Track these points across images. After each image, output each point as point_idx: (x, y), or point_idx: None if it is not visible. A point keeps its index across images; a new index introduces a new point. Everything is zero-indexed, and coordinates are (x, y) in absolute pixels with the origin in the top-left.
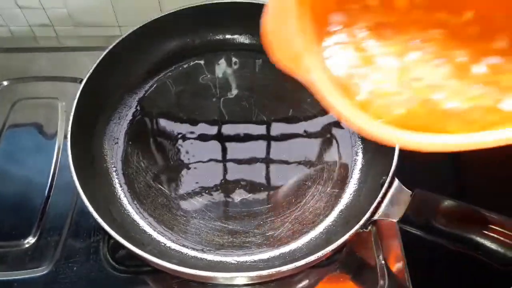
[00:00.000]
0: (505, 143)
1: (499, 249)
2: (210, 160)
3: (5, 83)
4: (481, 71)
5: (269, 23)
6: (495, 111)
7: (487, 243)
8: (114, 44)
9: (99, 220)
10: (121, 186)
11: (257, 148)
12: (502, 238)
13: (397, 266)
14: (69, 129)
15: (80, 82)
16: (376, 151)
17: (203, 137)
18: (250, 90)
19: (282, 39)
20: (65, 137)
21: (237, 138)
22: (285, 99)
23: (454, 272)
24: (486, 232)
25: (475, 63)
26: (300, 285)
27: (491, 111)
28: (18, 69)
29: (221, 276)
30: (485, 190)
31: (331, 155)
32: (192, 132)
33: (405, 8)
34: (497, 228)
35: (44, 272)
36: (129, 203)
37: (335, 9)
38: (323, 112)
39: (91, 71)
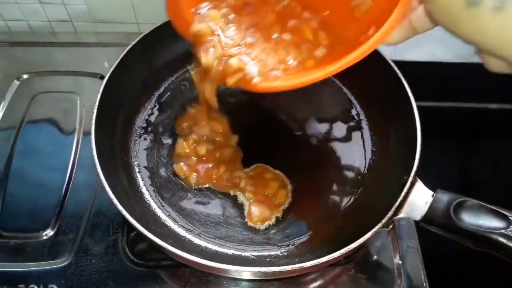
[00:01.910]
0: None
1: None
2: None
3: (25, 76)
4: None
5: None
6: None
7: (510, 243)
8: (136, 41)
9: (123, 211)
10: (142, 180)
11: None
12: None
13: (414, 266)
14: (93, 122)
15: (100, 77)
16: (397, 151)
17: None
18: None
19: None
20: (85, 131)
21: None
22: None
23: (470, 272)
24: (508, 232)
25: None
26: (317, 283)
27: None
28: (36, 63)
29: (243, 270)
30: (500, 189)
31: (352, 154)
32: None
33: None
34: None
35: (62, 264)
36: (151, 196)
37: None
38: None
39: (114, 66)
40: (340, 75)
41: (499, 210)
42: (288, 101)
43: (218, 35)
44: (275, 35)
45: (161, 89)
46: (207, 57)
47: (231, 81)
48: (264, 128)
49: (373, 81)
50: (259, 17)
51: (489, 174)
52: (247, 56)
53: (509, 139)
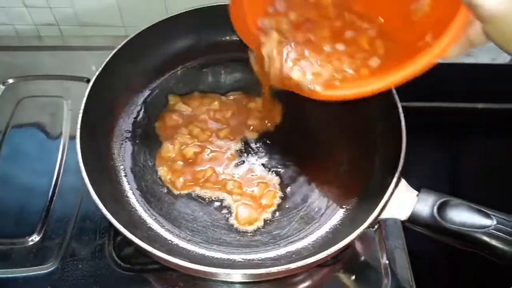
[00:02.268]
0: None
1: (505, 247)
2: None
3: (10, 81)
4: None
5: (232, 12)
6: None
7: (493, 241)
8: (121, 44)
9: (109, 216)
10: (128, 184)
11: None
12: (507, 237)
13: (401, 265)
14: (78, 126)
15: (86, 81)
16: (382, 152)
17: None
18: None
19: (241, 24)
20: (71, 135)
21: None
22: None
23: (457, 270)
24: (492, 231)
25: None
26: (305, 284)
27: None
28: (23, 67)
29: (229, 273)
30: (486, 189)
31: (338, 155)
32: None
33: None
34: (502, 226)
35: (49, 270)
36: (137, 200)
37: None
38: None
39: (99, 71)
40: None
41: (482, 209)
42: None
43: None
44: (327, 47)
45: (147, 92)
46: (271, 72)
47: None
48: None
49: None
50: (315, 31)
51: (476, 174)
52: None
53: (497, 138)
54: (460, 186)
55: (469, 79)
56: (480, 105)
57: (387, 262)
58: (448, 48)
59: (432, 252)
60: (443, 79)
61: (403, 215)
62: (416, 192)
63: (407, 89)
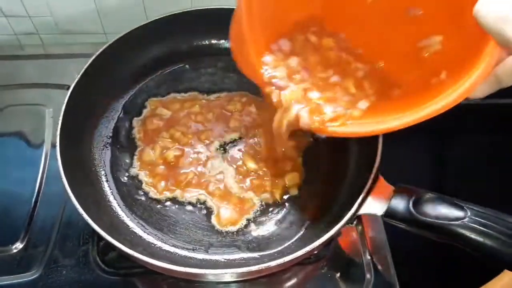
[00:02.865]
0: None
1: (479, 238)
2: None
3: None
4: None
5: (232, 40)
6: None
7: (468, 233)
8: (100, 51)
9: (90, 221)
10: (110, 189)
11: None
12: (482, 228)
13: (382, 260)
14: (58, 133)
15: (67, 88)
16: (359, 149)
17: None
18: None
19: (242, 54)
20: (53, 143)
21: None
22: None
23: (439, 265)
24: (466, 222)
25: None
26: (290, 283)
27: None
28: (3, 76)
29: (211, 273)
30: (463, 183)
31: (318, 154)
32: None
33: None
34: (476, 218)
35: (33, 277)
36: (118, 205)
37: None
38: None
39: (78, 77)
40: None
41: (457, 202)
42: None
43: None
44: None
45: (127, 97)
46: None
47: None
48: None
49: None
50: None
51: (456, 170)
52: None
53: (478, 134)
54: (439, 181)
55: None
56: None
57: (369, 258)
58: (475, 87)
59: (414, 247)
60: None
61: (380, 210)
62: (392, 187)
63: None
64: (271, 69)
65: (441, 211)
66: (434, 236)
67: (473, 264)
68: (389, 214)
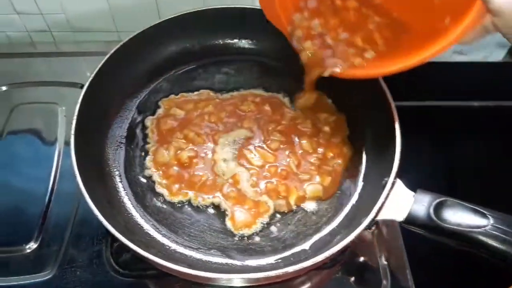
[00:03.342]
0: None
1: (501, 246)
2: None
3: (3, 88)
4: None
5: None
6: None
7: (489, 241)
8: (114, 49)
9: (105, 222)
10: (124, 189)
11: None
12: (503, 236)
13: (399, 266)
14: (72, 132)
15: (80, 87)
16: (377, 153)
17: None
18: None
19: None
20: (66, 141)
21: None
22: None
23: (456, 271)
24: (488, 230)
25: None
26: (304, 287)
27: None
28: (16, 74)
29: (227, 278)
30: (483, 188)
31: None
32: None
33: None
34: (498, 226)
35: (47, 277)
36: (132, 206)
37: None
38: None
39: (92, 76)
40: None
41: (478, 208)
42: None
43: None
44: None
45: (141, 97)
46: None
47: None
48: None
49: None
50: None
51: (473, 173)
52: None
53: (493, 136)
54: (456, 185)
55: (463, 77)
56: (475, 103)
57: (385, 263)
58: (465, 32)
59: (431, 252)
60: (437, 77)
61: (400, 216)
62: (412, 193)
63: (401, 88)
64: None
65: (463, 218)
66: (455, 243)
67: (492, 270)
68: (409, 220)
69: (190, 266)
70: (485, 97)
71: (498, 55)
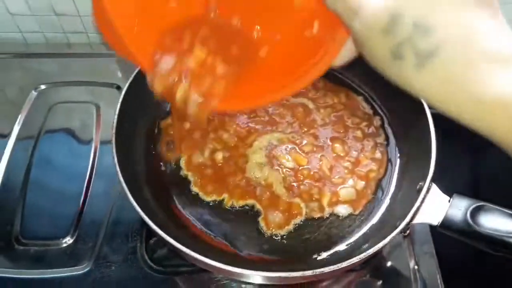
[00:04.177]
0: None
1: None
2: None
3: (42, 87)
4: None
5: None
6: None
7: None
8: None
9: (146, 218)
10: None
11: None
12: None
13: (429, 271)
14: (114, 131)
15: (117, 87)
16: (411, 157)
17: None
18: None
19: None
20: (101, 140)
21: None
22: None
23: (486, 275)
24: None
25: None
26: None
27: None
28: (53, 74)
29: (259, 275)
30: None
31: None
32: None
33: None
34: None
35: (83, 271)
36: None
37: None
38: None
39: (132, 77)
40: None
41: None
42: None
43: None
44: None
45: None
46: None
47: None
48: None
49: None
50: None
51: (504, 179)
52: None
53: None
54: (493, 191)
55: None
56: None
57: (415, 267)
58: (335, 57)
59: (462, 257)
60: None
61: (436, 220)
62: (448, 198)
63: None
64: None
65: (500, 223)
66: (491, 249)
67: None
68: (445, 224)
69: (226, 262)
70: None
71: None
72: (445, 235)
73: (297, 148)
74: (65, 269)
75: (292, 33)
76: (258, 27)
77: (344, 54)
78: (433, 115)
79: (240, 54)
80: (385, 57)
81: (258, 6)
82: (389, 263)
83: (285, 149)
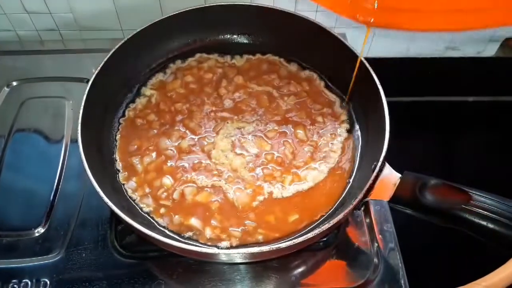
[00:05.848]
0: None
1: (482, 222)
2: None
3: (14, 83)
4: None
5: None
6: None
7: (471, 217)
8: (117, 46)
9: (110, 204)
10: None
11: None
12: (485, 212)
13: (390, 248)
14: (79, 121)
15: (86, 82)
16: (370, 140)
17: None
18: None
19: None
20: (73, 131)
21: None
22: None
23: (446, 251)
24: (469, 207)
25: None
26: (300, 269)
27: None
28: (25, 70)
29: (224, 253)
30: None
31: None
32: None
33: None
34: (479, 203)
35: (54, 259)
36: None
37: None
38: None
39: (97, 71)
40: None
41: (460, 187)
42: None
43: None
44: None
45: (144, 90)
46: None
47: None
48: None
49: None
50: None
51: (467, 165)
52: None
53: (489, 131)
54: (445, 170)
55: (458, 73)
56: (470, 98)
57: (376, 245)
58: None
59: (422, 235)
60: (430, 73)
61: (387, 196)
62: (399, 175)
63: (394, 85)
64: None
65: (446, 196)
66: (439, 221)
67: (482, 251)
68: (396, 199)
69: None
70: (480, 92)
71: (491, 50)
72: (405, 214)
73: (261, 134)
74: (38, 257)
75: None
76: None
77: None
78: (388, 103)
79: None
80: None
81: None
82: (352, 242)
83: (250, 135)
